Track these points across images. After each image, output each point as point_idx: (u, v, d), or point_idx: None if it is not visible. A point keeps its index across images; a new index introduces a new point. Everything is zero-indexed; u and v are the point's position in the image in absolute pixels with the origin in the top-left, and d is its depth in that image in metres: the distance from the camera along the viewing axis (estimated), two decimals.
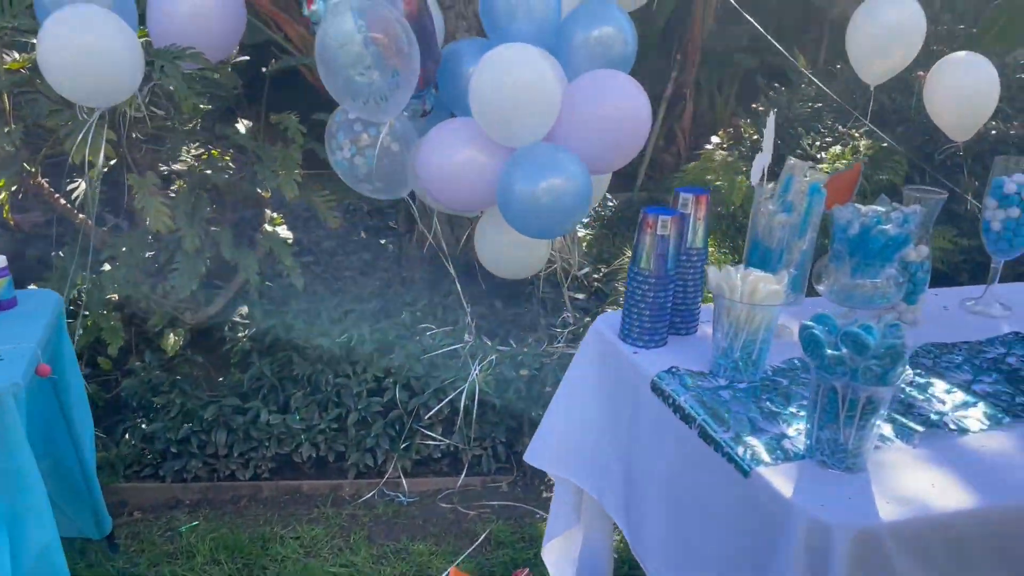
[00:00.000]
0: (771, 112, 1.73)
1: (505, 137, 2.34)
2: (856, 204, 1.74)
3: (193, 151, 3.26)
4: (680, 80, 5.97)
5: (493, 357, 2.60)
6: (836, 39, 5.31)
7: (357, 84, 2.28)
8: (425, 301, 2.89)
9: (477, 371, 2.54)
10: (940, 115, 3.35)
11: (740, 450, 1.30)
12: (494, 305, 3.13)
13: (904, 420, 1.40)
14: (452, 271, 2.78)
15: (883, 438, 1.36)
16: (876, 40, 3.03)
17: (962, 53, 3.29)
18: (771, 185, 1.71)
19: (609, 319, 1.75)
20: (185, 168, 3.12)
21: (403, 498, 2.48)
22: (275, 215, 3.18)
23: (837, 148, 3.81)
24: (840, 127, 3.92)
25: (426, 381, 2.56)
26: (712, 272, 1.53)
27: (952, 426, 1.40)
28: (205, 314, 3.12)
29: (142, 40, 2.49)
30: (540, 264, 2.83)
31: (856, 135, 3.84)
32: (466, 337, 2.72)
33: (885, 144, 3.76)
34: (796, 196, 1.68)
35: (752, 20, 3.70)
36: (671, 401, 1.48)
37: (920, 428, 1.38)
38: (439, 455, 2.56)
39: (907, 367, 1.22)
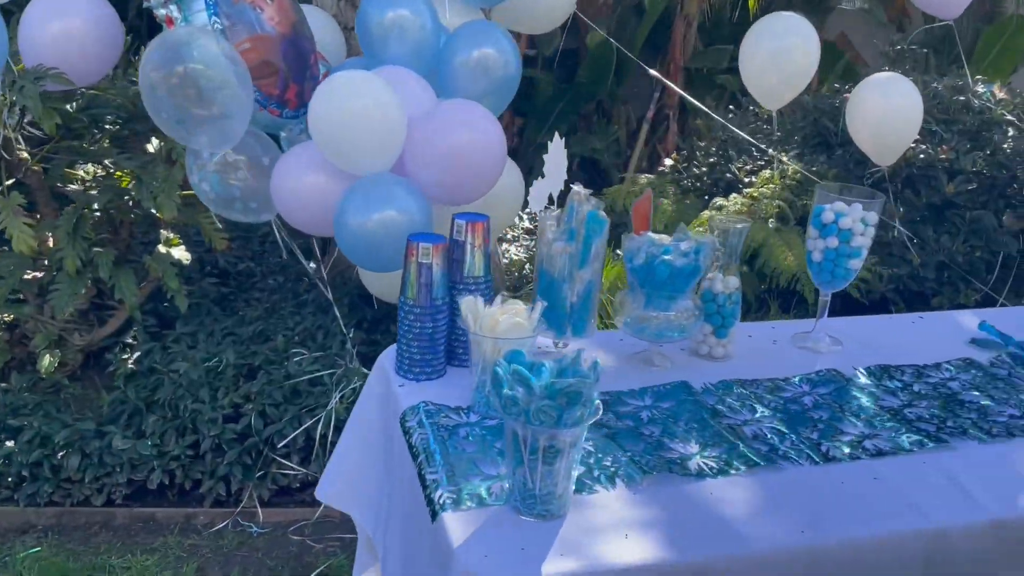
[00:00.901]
0: (555, 135, 1.66)
1: (346, 165, 2.28)
2: (650, 234, 1.66)
3: (99, 171, 3.27)
4: (663, 102, 5.92)
5: (358, 383, 2.54)
6: (827, 60, 5.24)
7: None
8: (306, 325, 2.84)
9: (337, 399, 2.47)
10: (862, 138, 3.25)
11: (439, 493, 1.23)
12: (390, 330, 3.07)
13: (640, 461, 1.32)
14: (329, 294, 2.73)
15: (609, 479, 1.28)
16: (767, 64, 2.94)
17: (884, 74, 3.20)
18: (557, 212, 1.64)
19: (391, 352, 1.69)
20: (80, 188, 3.12)
21: (255, 529, 2.42)
22: (172, 236, 3.16)
23: (767, 172, 3.71)
24: (771, 151, 3.82)
25: (285, 408, 2.50)
26: (463, 303, 1.46)
27: (692, 471, 1.32)
28: (98, 335, 3.11)
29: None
30: None
31: (784, 159, 3.74)
32: (340, 363, 2.66)
33: (815, 168, 3.66)
34: (578, 224, 1.60)
35: None
36: (408, 437, 1.41)
37: (650, 472, 1.30)
38: (298, 485, 2.50)
39: (596, 408, 1.14)
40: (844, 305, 3.41)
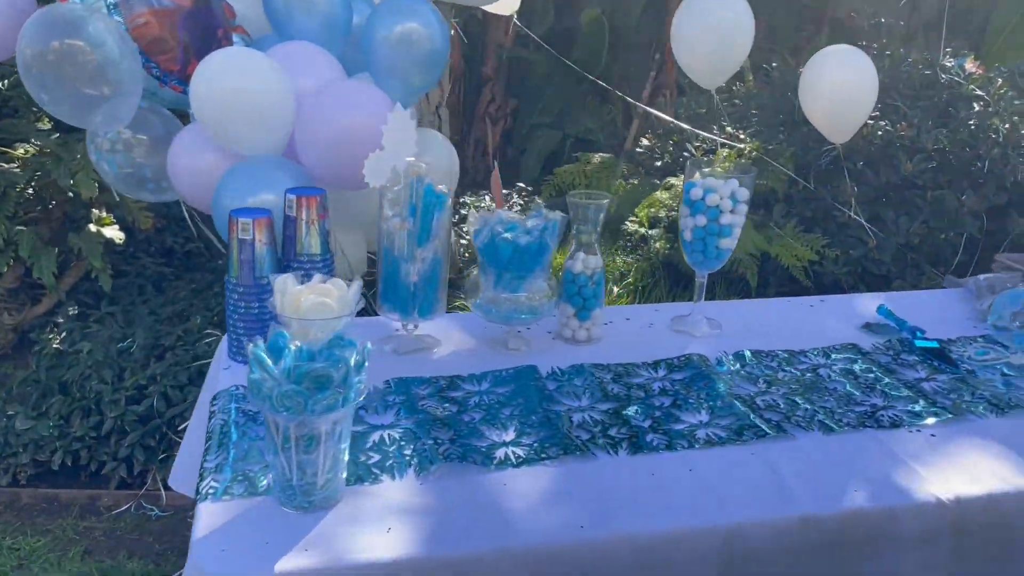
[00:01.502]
0: (396, 105, 1.57)
1: (232, 145, 2.21)
2: (499, 210, 1.58)
3: (29, 149, 3.24)
4: (659, 80, 5.78)
5: None
6: (836, 37, 5.07)
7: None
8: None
9: None
10: (814, 115, 3.12)
11: (206, 481, 1.16)
12: None
13: (441, 449, 1.24)
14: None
15: (401, 468, 1.21)
16: (702, 42, 2.82)
17: (838, 47, 3.05)
18: (397, 188, 1.56)
19: None
20: (14, 167, 3.10)
21: (156, 512, 2.38)
22: (104, 215, 3.12)
23: (724, 151, 3.59)
24: (730, 129, 3.69)
25: (189, 390, 2.46)
26: (275, 281, 1.39)
27: (495, 460, 1.24)
28: (30, 315, 3.09)
29: None
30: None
31: (742, 137, 3.61)
32: None
33: (771, 147, 3.53)
34: (416, 200, 1.52)
35: None
36: (209, 420, 1.35)
37: (445, 461, 1.22)
38: None
39: (358, 393, 1.07)
40: (793, 291, 3.30)
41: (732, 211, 1.64)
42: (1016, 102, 3.36)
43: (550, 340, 1.68)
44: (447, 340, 1.66)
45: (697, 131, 3.66)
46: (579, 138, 5.88)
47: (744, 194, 1.63)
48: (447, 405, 1.40)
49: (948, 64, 3.55)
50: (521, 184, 4.12)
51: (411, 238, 1.51)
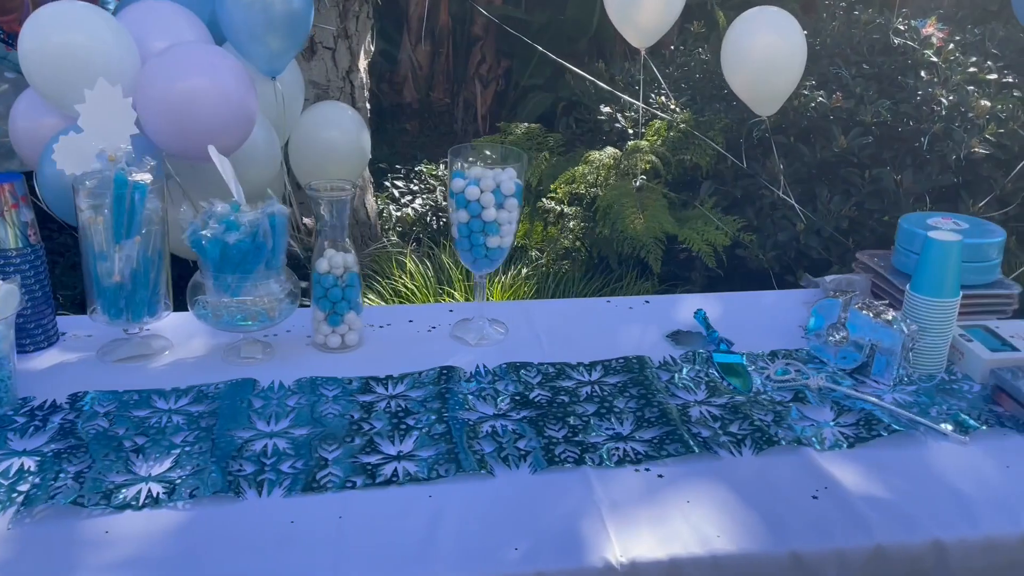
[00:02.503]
0: (99, 80, 1.38)
1: (64, 108, 2.07)
2: (218, 203, 1.39)
3: None
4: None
5: None
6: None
7: None
8: None
9: None
10: (737, 84, 2.88)
11: None
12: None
13: (61, 485, 1.08)
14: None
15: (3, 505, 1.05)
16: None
17: (762, 9, 2.79)
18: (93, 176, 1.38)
19: None
20: None
21: None
22: None
23: (656, 123, 3.34)
24: (663, 98, 3.43)
25: None
26: None
27: (120, 500, 1.08)
28: None
29: None
30: None
31: (675, 107, 3.35)
32: None
33: (703, 118, 3.27)
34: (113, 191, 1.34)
35: None
36: None
37: (47, 502, 1.06)
38: None
39: None
40: (711, 280, 3.06)
41: (500, 206, 1.43)
42: (971, 70, 3.04)
43: (303, 347, 1.51)
44: (183, 344, 1.49)
45: (630, 100, 3.41)
46: (572, 100, 5.63)
47: (510, 187, 1.42)
48: (115, 425, 1.23)
49: (902, 27, 3.23)
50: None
51: (108, 233, 1.34)
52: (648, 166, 3.07)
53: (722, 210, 3.13)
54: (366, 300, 2.82)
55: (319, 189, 1.41)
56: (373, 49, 3.61)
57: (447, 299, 2.82)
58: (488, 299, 2.82)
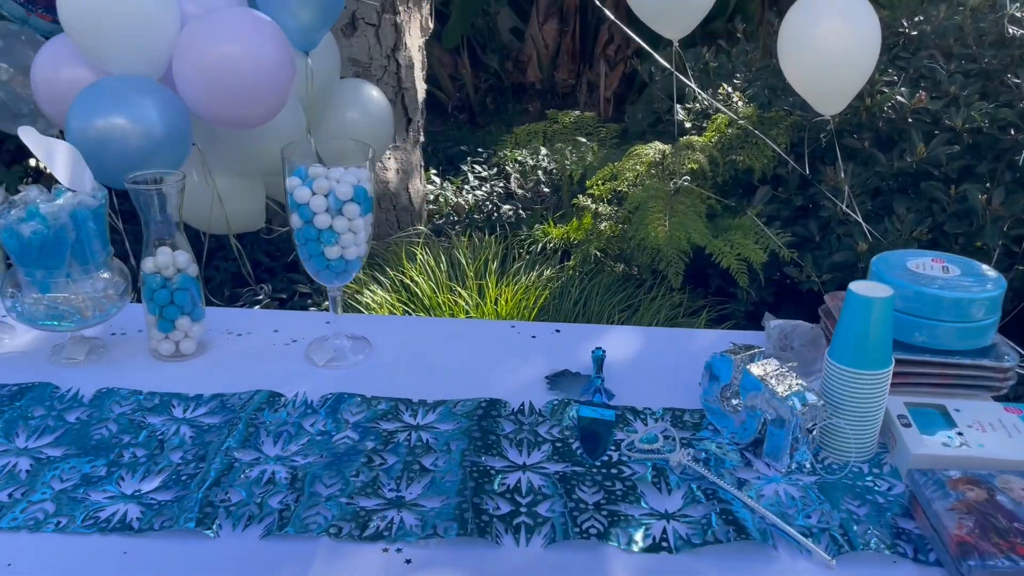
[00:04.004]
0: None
1: (100, 64, 2.03)
2: (31, 190, 1.29)
3: None
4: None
5: None
6: None
7: None
8: None
9: None
10: (794, 78, 2.51)
11: None
12: (220, 265, 2.86)
13: None
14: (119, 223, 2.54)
15: None
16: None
17: None
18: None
19: None
20: None
21: None
22: None
23: (721, 117, 2.99)
24: (728, 89, 3.05)
25: None
26: None
27: None
28: None
29: None
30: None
31: (738, 99, 2.97)
32: None
33: (769, 113, 2.89)
34: None
35: None
36: None
37: None
38: None
39: None
40: (756, 304, 2.71)
41: (335, 212, 1.24)
42: None
43: (139, 351, 1.38)
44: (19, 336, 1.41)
45: (696, 89, 3.07)
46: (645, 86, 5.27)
47: (346, 192, 1.22)
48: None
49: (1020, 15, 2.70)
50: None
51: None
52: (696, 166, 2.74)
53: (781, 222, 2.75)
54: (367, 291, 2.69)
55: (138, 182, 1.27)
56: (432, 26, 3.45)
57: (453, 298, 2.64)
58: (492, 306, 2.63)
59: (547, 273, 2.81)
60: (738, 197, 2.83)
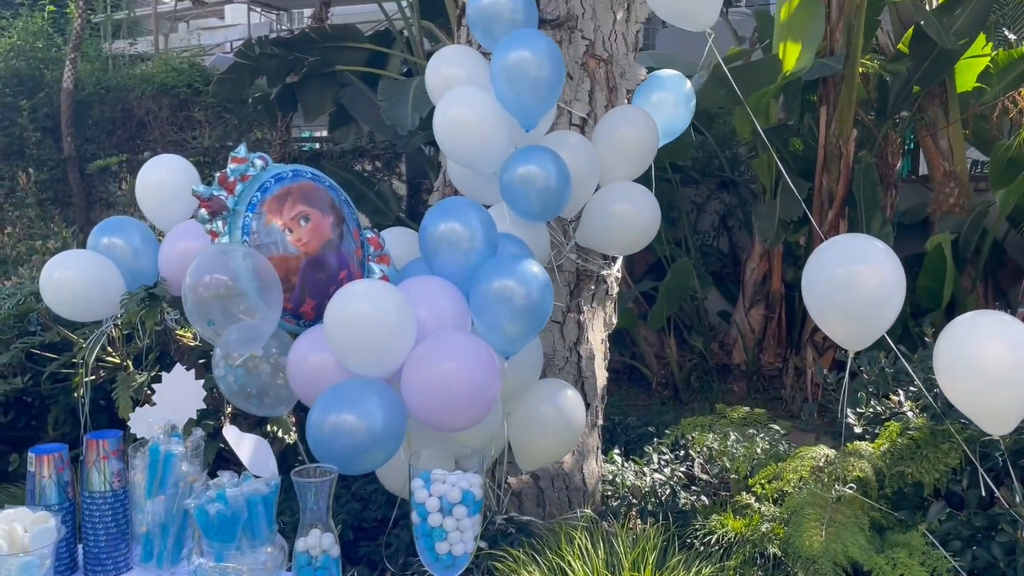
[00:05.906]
0: (176, 367, 1.74)
1: (348, 366, 2.38)
2: (226, 475, 1.63)
3: None
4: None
5: None
6: None
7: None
8: None
9: None
10: (954, 394, 2.53)
11: None
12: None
13: None
14: None
15: None
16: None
17: (983, 312, 2.47)
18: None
19: None
20: None
21: None
22: None
23: (895, 424, 2.95)
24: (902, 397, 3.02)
25: None
26: None
27: None
28: None
29: None
30: None
31: (910, 408, 2.93)
32: None
33: (943, 427, 2.81)
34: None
35: None
36: None
37: None
38: None
39: None
40: None
41: (447, 512, 1.46)
42: None
43: None
44: None
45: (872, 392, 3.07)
46: None
47: (455, 495, 1.45)
48: None
49: None
50: None
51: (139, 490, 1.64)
52: (862, 475, 2.71)
53: (962, 542, 2.59)
54: (524, 572, 2.81)
55: (301, 474, 1.58)
56: (615, 322, 3.78)
57: None
58: None
59: (706, 572, 2.79)
60: (910, 511, 2.72)
